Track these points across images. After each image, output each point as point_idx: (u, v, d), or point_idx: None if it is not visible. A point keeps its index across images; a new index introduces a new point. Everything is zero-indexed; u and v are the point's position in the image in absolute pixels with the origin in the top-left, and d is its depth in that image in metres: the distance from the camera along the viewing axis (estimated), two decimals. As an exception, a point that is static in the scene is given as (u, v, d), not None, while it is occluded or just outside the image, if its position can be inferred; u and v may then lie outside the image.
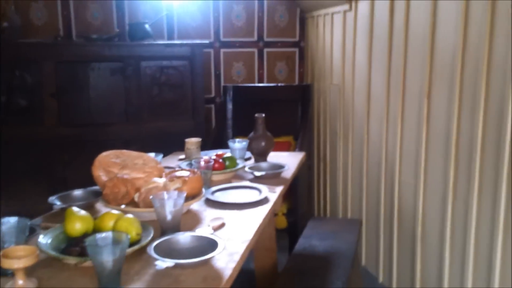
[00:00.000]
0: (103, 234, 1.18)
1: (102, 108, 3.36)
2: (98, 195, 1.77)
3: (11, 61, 3.21)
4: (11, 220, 1.27)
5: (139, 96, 3.36)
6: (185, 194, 1.50)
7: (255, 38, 3.93)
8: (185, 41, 3.56)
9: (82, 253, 1.29)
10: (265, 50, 3.95)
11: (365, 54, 2.95)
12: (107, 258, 1.11)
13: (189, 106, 3.44)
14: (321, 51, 3.65)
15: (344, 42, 3.24)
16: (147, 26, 3.53)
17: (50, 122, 3.27)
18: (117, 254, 1.13)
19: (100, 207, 1.74)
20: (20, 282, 1.14)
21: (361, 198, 3.09)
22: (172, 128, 3.37)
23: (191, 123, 3.41)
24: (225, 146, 2.50)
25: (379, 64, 2.76)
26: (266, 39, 3.95)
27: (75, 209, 1.44)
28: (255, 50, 3.94)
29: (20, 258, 1.14)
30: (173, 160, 2.46)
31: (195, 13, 3.82)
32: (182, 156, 2.47)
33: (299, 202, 3.15)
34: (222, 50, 3.91)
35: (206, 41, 3.63)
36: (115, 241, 1.16)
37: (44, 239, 1.34)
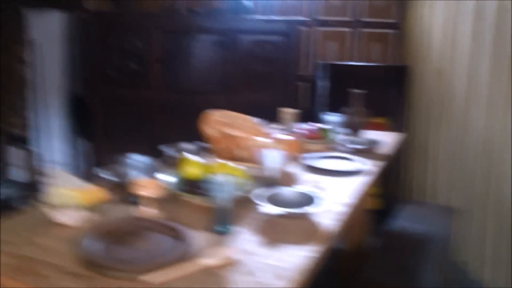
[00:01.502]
0: (221, 176, 1.30)
1: (201, 77, 3.56)
2: (203, 148, 1.93)
3: (125, 28, 3.50)
4: (139, 158, 1.44)
5: (235, 68, 3.51)
6: (286, 153, 1.59)
7: (351, 17, 3.89)
8: (282, 18, 3.63)
9: (198, 193, 1.43)
10: (360, 30, 3.90)
11: (468, 36, 2.82)
12: (221, 196, 1.24)
13: (281, 80, 3.53)
14: (419, 33, 3.54)
15: (446, 23, 3.12)
16: (247, 2, 3.64)
17: (155, 86, 3.54)
18: (229, 194, 1.25)
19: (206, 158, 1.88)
20: (146, 209, 1.30)
21: (451, 185, 3.00)
22: (263, 101, 3.48)
23: (281, 97, 3.50)
24: (315, 121, 2.55)
25: (484, 48, 2.64)
26: (362, 19, 3.90)
27: (189, 156, 1.59)
28: (350, 30, 3.91)
29: (146, 187, 1.29)
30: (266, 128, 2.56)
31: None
32: (276, 125, 2.56)
33: (393, 184, 3.12)
34: (316, 28, 3.93)
35: (302, 19, 3.67)
36: (227, 182, 1.27)
37: (164, 178, 1.49)
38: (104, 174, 1.53)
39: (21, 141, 3.93)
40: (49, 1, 3.39)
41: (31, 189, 3.78)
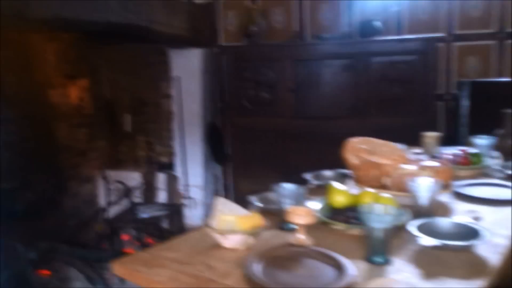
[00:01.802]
0: (374, 205, 1.29)
1: (333, 102, 3.59)
2: (344, 176, 1.93)
3: (258, 60, 3.70)
4: (290, 186, 1.49)
5: (367, 91, 3.48)
6: (439, 182, 1.52)
7: (495, 29, 3.61)
8: (415, 36, 3.52)
9: (348, 222, 1.44)
10: (507, 42, 3.59)
11: None
12: (378, 226, 1.22)
13: (418, 102, 3.39)
14: None
15: None
16: (376, 23, 3.61)
17: (287, 114, 3.67)
18: (386, 224, 1.23)
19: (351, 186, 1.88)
20: (302, 237, 1.34)
21: None
22: (398, 124, 3.38)
23: (418, 120, 3.35)
24: (456, 144, 2.40)
25: None
26: (508, 29, 3.59)
27: (335, 184, 1.60)
28: (494, 43, 3.63)
29: (302, 216, 1.33)
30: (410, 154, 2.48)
31: (426, 5, 3.72)
32: (416, 150, 2.46)
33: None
34: (454, 44, 3.71)
35: (439, 35, 3.50)
36: (384, 212, 1.26)
37: (313, 206, 1.53)
38: (256, 201, 1.62)
39: (167, 168, 4.34)
40: (188, 41, 3.74)
41: (176, 211, 4.14)
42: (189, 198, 4.24)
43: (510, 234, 1.41)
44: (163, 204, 4.21)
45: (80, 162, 4.06)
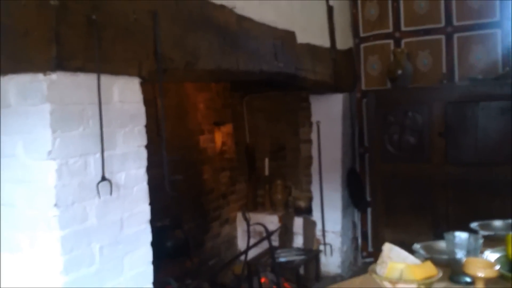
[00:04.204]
0: None
1: (489, 147, 3.28)
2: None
3: (403, 104, 3.59)
4: (464, 235, 1.36)
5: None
6: None
7: None
8: None
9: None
10: None
11: None
12: None
13: None
14: None
15: None
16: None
17: (436, 160, 3.44)
18: None
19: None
20: (481, 290, 1.20)
21: None
22: None
23: None
24: None
25: None
26: None
27: (516, 235, 1.42)
28: None
29: (482, 268, 1.20)
30: None
31: None
32: None
33: None
34: None
35: None
36: None
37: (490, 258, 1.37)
38: (421, 250, 1.51)
39: (304, 212, 4.33)
40: (330, 86, 3.78)
41: (312, 256, 4.07)
42: (326, 244, 4.15)
43: None
44: (300, 249, 4.17)
45: (222, 204, 4.27)
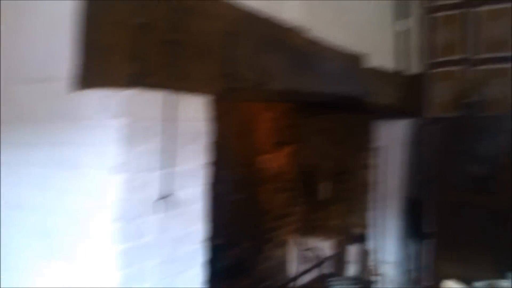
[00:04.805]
0: None
1: None
2: None
3: (473, 132, 3.47)
4: None
5: None
6: None
7: None
8: None
9: None
10: None
11: None
12: None
13: None
14: None
15: None
16: None
17: (507, 193, 3.25)
18: None
19: None
20: None
21: None
22: None
23: None
24: None
25: None
26: None
27: None
28: None
29: None
30: None
31: None
32: None
33: None
34: None
35: None
36: None
37: None
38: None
39: (360, 240, 4.17)
40: (396, 111, 3.66)
41: (366, 286, 3.90)
42: (381, 274, 3.96)
43: None
44: (352, 278, 4.02)
45: (277, 226, 4.20)
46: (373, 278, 4.00)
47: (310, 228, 4.44)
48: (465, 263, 3.27)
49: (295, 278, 3.79)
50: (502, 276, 2.75)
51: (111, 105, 1.51)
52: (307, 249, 3.85)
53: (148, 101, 1.58)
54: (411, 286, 4.11)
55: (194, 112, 1.79)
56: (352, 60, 2.85)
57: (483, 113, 3.60)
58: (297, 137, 4.44)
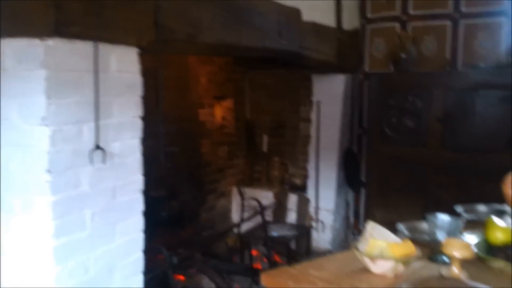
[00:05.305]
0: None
1: (486, 135, 3.30)
2: (500, 212, 1.76)
3: (405, 88, 3.61)
4: (445, 218, 1.41)
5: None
6: None
7: None
8: None
9: (508, 260, 1.30)
10: None
11: None
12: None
13: None
14: None
15: None
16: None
17: (432, 145, 3.48)
18: None
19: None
20: (456, 270, 1.24)
21: None
22: None
23: None
24: None
25: None
26: None
27: (495, 219, 1.47)
28: None
29: (459, 249, 1.24)
30: None
31: None
32: None
33: None
34: None
35: None
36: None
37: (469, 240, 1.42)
38: (404, 230, 1.55)
39: (299, 189, 4.39)
40: (333, 66, 3.78)
41: (305, 232, 4.15)
42: (319, 221, 4.22)
43: None
44: (292, 225, 4.25)
45: (218, 178, 4.32)
46: (311, 224, 4.25)
47: (252, 179, 4.62)
48: (397, 209, 3.53)
49: (237, 225, 3.96)
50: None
51: (35, 55, 1.50)
52: (249, 199, 4.01)
53: (76, 51, 1.57)
54: (346, 231, 4.41)
55: (126, 64, 1.80)
56: (289, 15, 2.88)
57: (417, 69, 3.78)
58: (237, 92, 4.52)
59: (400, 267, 1.27)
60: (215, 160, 4.26)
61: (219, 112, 4.31)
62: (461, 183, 3.25)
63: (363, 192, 4.23)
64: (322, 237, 4.22)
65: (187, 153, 3.84)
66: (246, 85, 4.63)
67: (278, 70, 4.31)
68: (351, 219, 4.43)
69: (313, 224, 4.24)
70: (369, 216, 3.85)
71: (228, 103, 4.42)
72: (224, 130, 4.37)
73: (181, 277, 3.12)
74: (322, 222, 4.21)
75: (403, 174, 3.64)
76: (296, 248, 4.10)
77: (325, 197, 4.23)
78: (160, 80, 1.94)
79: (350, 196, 4.40)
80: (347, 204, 4.41)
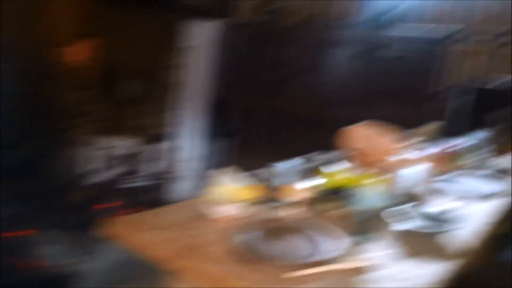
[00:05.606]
0: (363, 187, 1.31)
1: (337, 90, 3.56)
2: (340, 159, 1.94)
3: (273, 39, 3.74)
4: (284, 165, 1.51)
5: (373, 82, 3.44)
6: (426, 170, 1.56)
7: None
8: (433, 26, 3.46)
9: (338, 202, 1.47)
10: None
11: None
12: (366, 207, 1.26)
13: (422, 95, 3.37)
14: None
15: None
16: (395, 13, 3.52)
17: (290, 96, 3.69)
18: (373, 205, 1.26)
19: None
20: (290, 213, 1.36)
21: None
22: (403, 116, 3.34)
23: (421, 113, 3.33)
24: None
25: None
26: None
27: (329, 165, 1.62)
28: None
29: (293, 193, 1.35)
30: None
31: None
32: (417, 139, 2.47)
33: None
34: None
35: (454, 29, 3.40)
36: (373, 194, 1.28)
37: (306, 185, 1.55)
38: (251, 176, 1.63)
39: (161, 139, 4.31)
40: (205, 12, 3.66)
41: (168, 181, 4.13)
42: (183, 170, 4.22)
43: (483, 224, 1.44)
44: (153, 174, 4.18)
45: (71, 125, 4.01)
46: (173, 175, 4.22)
47: (109, 128, 4.38)
48: (262, 157, 3.68)
49: (91, 175, 3.76)
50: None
51: None
52: (106, 148, 3.82)
53: None
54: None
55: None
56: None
57: (284, 21, 3.84)
58: (98, 31, 4.14)
59: (242, 211, 1.34)
60: (69, 106, 3.93)
61: (77, 53, 3.93)
62: (317, 134, 3.48)
63: (228, 142, 4.31)
64: (186, 186, 4.24)
65: (35, 96, 3.48)
66: (109, 25, 4.26)
67: (148, 10, 4.03)
68: (218, 168, 4.50)
69: (177, 173, 4.23)
70: (234, 164, 3.96)
71: (88, 43, 4.04)
72: (80, 73, 4.02)
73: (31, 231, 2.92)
74: (186, 171, 4.21)
75: (269, 124, 3.81)
76: (156, 198, 4.07)
77: (190, 146, 4.21)
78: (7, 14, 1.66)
79: (218, 145, 4.46)
80: (214, 153, 4.47)
